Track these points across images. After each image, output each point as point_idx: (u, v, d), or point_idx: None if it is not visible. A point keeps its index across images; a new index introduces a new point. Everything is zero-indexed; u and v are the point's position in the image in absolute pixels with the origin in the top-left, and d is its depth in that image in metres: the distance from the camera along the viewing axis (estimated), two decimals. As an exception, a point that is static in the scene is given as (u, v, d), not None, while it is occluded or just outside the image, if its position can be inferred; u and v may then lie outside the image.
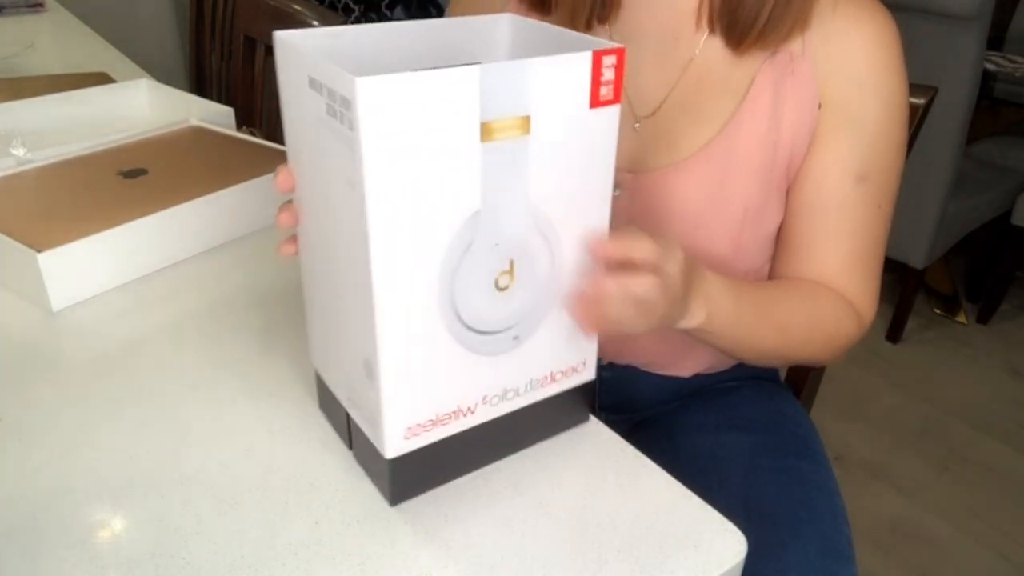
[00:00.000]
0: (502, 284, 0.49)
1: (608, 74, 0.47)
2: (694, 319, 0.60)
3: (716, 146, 0.68)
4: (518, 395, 0.54)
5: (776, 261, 0.74)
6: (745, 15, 0.65)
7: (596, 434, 0.59)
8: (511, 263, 0.48)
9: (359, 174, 0.41)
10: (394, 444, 0.50)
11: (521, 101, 0.44)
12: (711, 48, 0.69)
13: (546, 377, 0.54)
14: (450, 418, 0.51)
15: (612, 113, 0.48)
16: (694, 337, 0.64)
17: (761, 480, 0.71)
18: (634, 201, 0.71)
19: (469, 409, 0.52)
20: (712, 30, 0.69)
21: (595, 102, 0.47)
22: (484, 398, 0.52)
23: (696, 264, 0.59)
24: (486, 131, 0.44)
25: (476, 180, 0.45)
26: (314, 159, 0.48)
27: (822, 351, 0.72)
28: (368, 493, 0.53)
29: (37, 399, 0.61)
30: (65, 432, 0.58)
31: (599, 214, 0.51)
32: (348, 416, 0.54)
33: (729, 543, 0.50)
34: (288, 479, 0.54)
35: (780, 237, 0.73)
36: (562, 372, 0.55)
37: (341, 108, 0.41)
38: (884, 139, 0.68)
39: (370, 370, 0.48)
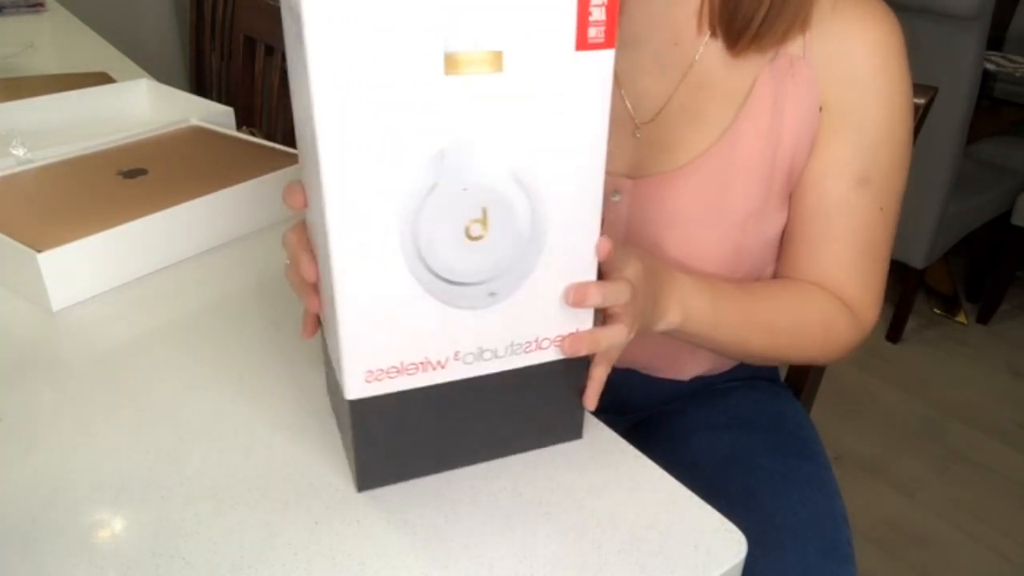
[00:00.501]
0: (474, 233, 0.46)
1: (597, 13, 0.43)
2: (671, 321, 0.61)
3: (716, 152, 0.68)
4: (497, 357, 0.51)
5: (779, 262, 0.74)
6: (743, 15, 0.65)
7: (596, 434, 0.59)
8: (484, 212, 0.46)
9: (310, 98, 0.40)
10: (354, 385, 0.48)
11: (491, 34, 0.41)
12: (711, 53, 0.69)
13: (531, 343, 0.51)
14: (417, 368, 0.49)
15: (604, 59, 0.44)
16: (680, 340, 0.65)
17: (761, 480, 0.71)
18: (634, 207, 0.71)
19: (439, 363, 0.50)
20: (713, 33, 0.69)
21: (582, 44, 0.44)
22: (456, 354, 0.50)
23: (665, 268, 0.61)
24: (451, 63, 0.41)
25: (439, 116, 0.42)
26: (294, 95, 0.46)
27: (817, 353, 0.72)
28: (368, 493, 0.53)
29: (37, 399, 0.61)
30: (65, 432, 0.58)
31: (589, 173, 0.47)
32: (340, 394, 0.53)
33: (729, 543, 0.50)
34: (288, 479, 0.54)
35: (783, 239, 0.73)
36: (550, 340, 0.52)
37: (298, 27, 0.39)
38: (886, 141, 0.68)
39: (333, 307, 0.46)
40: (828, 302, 0.70)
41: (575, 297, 0.50)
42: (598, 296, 0.51)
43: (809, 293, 0.70)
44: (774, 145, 0.67)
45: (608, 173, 0.71)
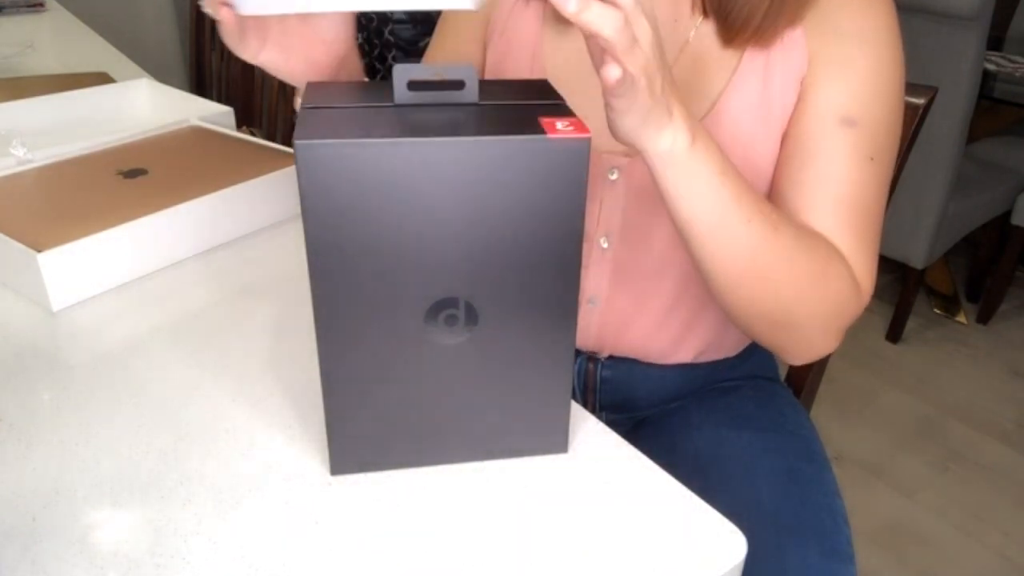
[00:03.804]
0: None
1: None
2: (678, 130, 0.52)
3: (707, 124, 0.68)
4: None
5: None
6: (736, 13, 0.65)
7: (596, 434, 0.59)
8: None
9: None
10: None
11: None
12: (706, 29, 0.69)
13: None
14: None
15: None
16: (674, 196, 0.56)
17: (761, 481, 0.71)
18: (630, 184, 0.71)
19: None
20: (706, 15, 0.69)
21: None
22: None
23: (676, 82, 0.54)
24: None
25: None
26: None
27: (815, 294, 0.64)
28: (369, 494, 0.53)
29: (37, 399, 0.61)
30: (65, 432, 0.58)
31: None
32: None
33: (729, 543, 0.50)
34: (288, 479, 0.54)
35: (771, 191, 0.70)
36: None
37: None
38: (873, 85, 0.66)
39: None
40: (828, 242, 0.65)
41: None
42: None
43: (811, 230, 0.65)
44: (765, 115, 0.68)
45: (604, 151, 0.71)
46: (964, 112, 1.81)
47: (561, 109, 0.50)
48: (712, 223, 0.57)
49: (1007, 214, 2.12)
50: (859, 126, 0.65)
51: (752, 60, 0.68)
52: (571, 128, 0.47)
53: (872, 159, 0.66)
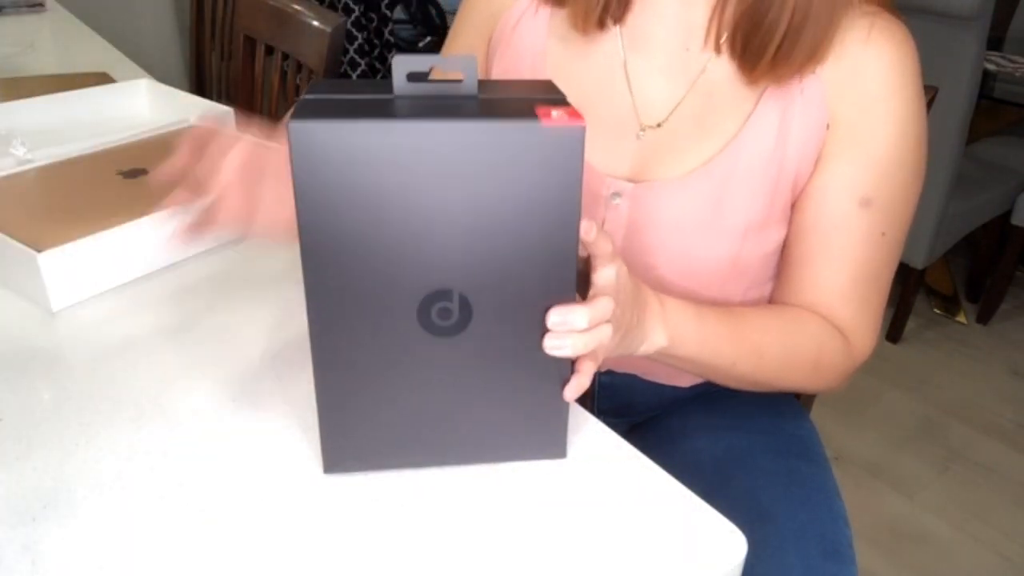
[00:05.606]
0: None
1: None
2: (655, 343, 0.59)
3: (719, 162, 0.68)
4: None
5: (775, 281, 0.73)
6: (758, 42, 0.64)
7: (596, 435, 0.59)
8: None
9: None
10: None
11: None
12: (721, 67, 0.69)
13: None
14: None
15: None
16: (667, 364, 0.63)
17: (761, 481, 0.71)
18: (633, 211, 0.70)
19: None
20: (719, 51, 0.68)
21: None
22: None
23: (649, 290, 0.59)
24: None
25: None
26: None
27: (807, 379, 0.70)
28: (370, 495, 0.53)
29: (37, 399, 0.61)
30: (65, 432, 0.58)
31: None
32: None
33: (729, 544, 0.50)
34: (288, 479, 0.54)
35: (781, 256, 0.72)
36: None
37: None
38: (894, 164, 0.66)
39: None
40: (820, 327, 0.68)
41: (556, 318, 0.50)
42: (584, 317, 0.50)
43: (801, 318, 0.68)
44: (780, 160, 0.67)
45: (609, 175, 0.71)
46: (964, 112, 1.81)
47: (560, 102, 0.49)
48: (703, 373, 0.68)
49: (1007, 214, 2.12)
50: (875, 205, 0.67)
51: (769, 106, 0.67)
52: (566, 116, 0.46)
53: (884, 234, 0.68)
